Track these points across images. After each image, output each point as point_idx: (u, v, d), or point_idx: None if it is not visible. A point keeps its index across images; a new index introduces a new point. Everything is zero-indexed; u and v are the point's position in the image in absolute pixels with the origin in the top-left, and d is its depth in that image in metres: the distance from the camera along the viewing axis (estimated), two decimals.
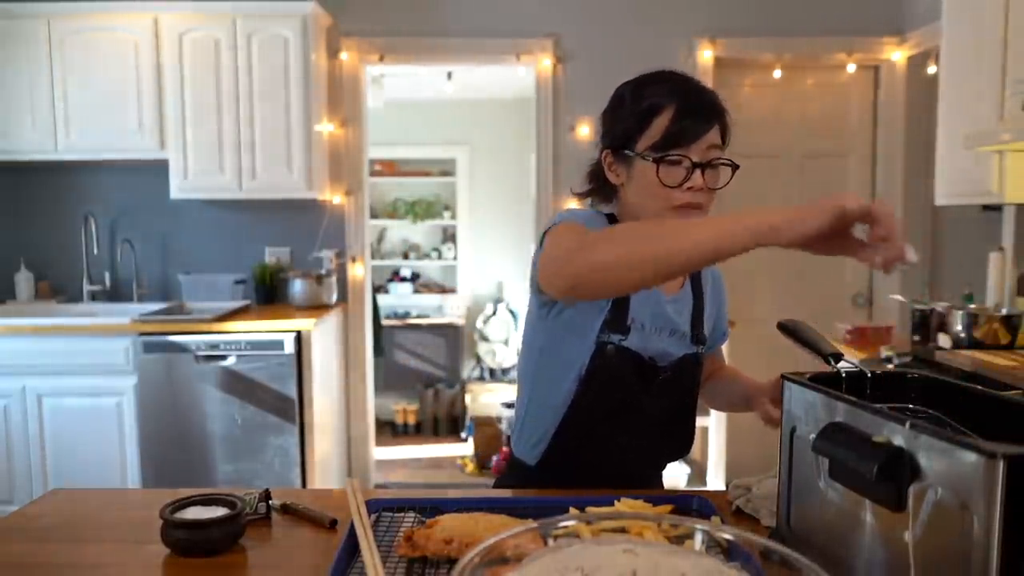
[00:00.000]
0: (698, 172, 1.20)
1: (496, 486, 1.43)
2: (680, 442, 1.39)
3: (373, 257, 4.60)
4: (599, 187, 1.36)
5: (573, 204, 3.68)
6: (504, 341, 5.91)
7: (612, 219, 1.33)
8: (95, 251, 3.64)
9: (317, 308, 3.46)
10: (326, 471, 3.43)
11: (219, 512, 1.02)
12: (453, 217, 6.29)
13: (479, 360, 6.01)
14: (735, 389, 1.44)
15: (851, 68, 3.69)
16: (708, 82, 3.14)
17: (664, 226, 1.01)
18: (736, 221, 0.90)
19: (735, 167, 1.24)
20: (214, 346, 3.13)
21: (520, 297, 6.05)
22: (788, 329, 1.17)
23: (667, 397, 1.32)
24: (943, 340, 2.57)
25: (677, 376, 1.32)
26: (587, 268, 1.01)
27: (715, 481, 3.74)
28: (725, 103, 1.26)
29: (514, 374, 5.86)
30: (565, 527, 0.71)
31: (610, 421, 1.29)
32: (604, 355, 1.26)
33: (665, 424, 1.34)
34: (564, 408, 1.29)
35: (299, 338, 3.17)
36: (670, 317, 1.31)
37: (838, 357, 1.04)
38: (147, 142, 3.38)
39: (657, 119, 1.21)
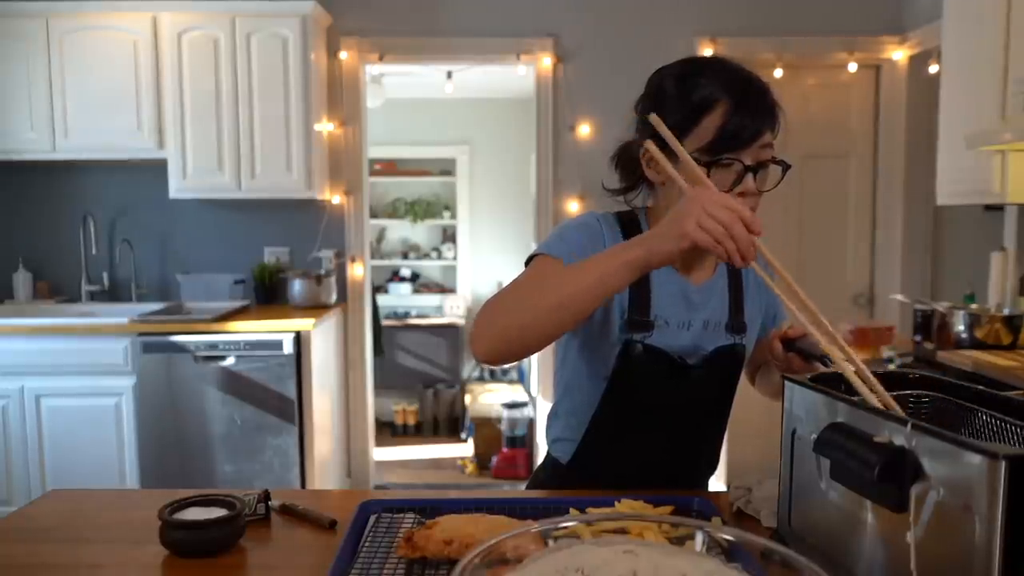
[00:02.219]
0: (750, 175, 1.12)
1: (530, 485, 1.40)
2: (717, 443, 1.35)
3: (373, 257, 4.59)
4: (635, 183, 1.27)
5: (574, 204, 3.70)
6: None
7: (627, 219, 1.26)
8: (94, 251, 3.64)
9: (317, 308, 3.46)
10: (325, 472, 3.42)
11: (218, 513, 1.02)
12: (453, 217, 6.29)
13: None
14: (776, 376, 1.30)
15: (852, 67, 3.68)
16: None
17: (550, 280, 1.07)
18: (613, 258, 1.02)
19: (787, 167, 1.16)
20: (213, 346, 3.12)
21: None
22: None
23: (702, 395, 1.27)
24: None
25: (711, 373, 1.26)
26: (498, 341, 1.08)
27: (716, 482, 3.73)
28: (778, 96, 1.16)
29: (514, 374, 5.86)
30: (565, 528, 0.71)
31: (641, 420, 1.25)
32: (630, 354, 1.21)
33: (701, 423, 1.30)
34: (595, 406, 1.25)
35: (298, 338, 3.17)
36: (699, 309, 1.24)
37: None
38: (146, 142, 3.38)
39: (708, 117, 1.11)
